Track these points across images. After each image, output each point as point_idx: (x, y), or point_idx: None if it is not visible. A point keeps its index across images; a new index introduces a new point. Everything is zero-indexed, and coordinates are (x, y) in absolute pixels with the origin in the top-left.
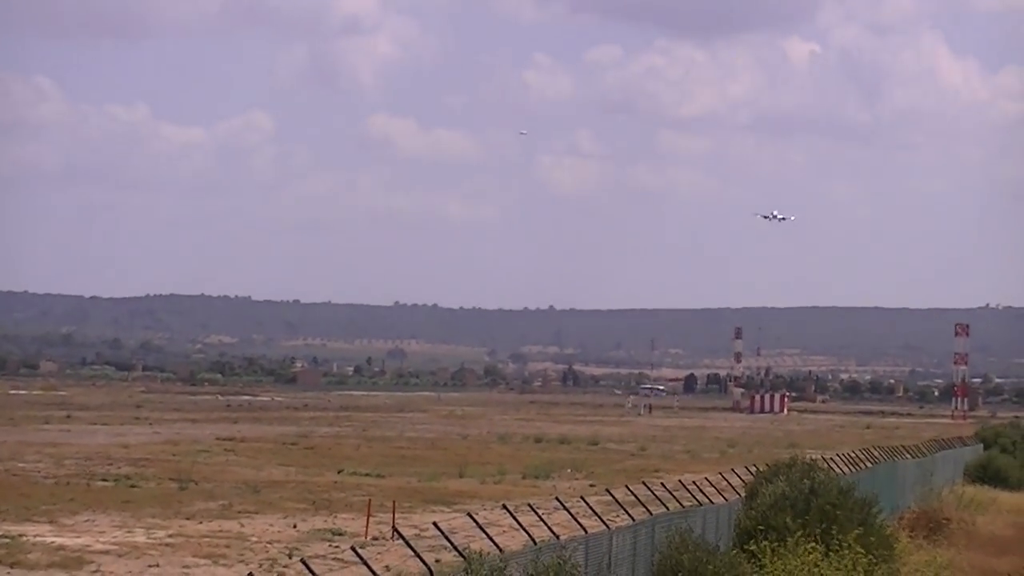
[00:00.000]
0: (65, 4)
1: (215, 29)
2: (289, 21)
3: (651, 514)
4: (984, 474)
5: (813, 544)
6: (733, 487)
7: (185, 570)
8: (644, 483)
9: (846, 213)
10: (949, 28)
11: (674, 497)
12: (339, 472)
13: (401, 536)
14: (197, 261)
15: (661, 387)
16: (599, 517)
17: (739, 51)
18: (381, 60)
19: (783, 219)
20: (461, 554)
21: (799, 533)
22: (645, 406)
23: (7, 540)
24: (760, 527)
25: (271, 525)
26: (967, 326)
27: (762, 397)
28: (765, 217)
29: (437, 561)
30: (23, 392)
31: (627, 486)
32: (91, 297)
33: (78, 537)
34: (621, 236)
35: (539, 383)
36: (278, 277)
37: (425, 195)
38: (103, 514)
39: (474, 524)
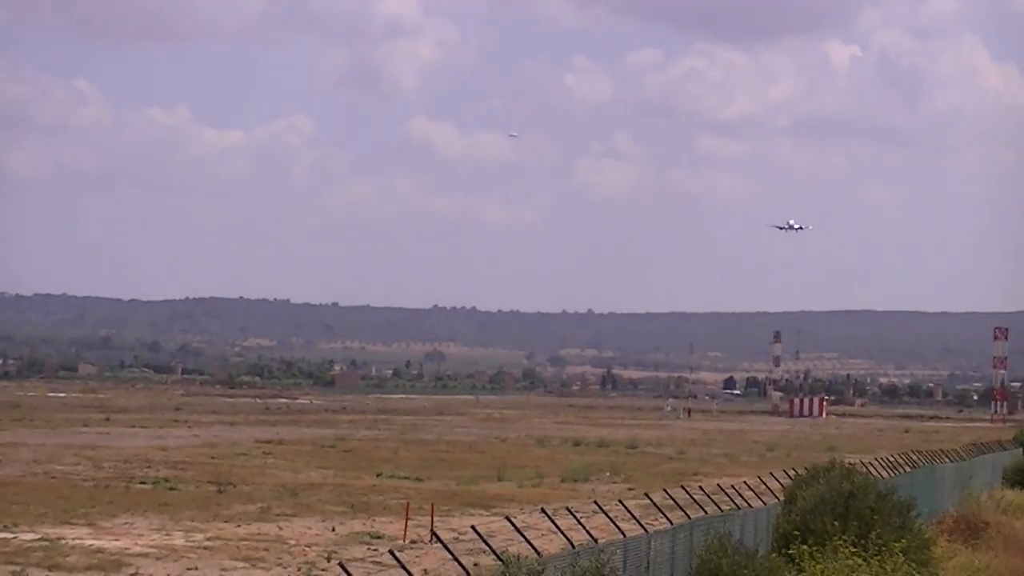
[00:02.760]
0: (105, 7)
1: (256, 33)
2: (330, 25)
3: (689, 518)
4: (1023, 478)
5: (852, 548)
6: (772, 491)
7: (223, 573)
8: (683, 487)
9: (885, 216)
10: (989, 31)
11: (713, 501)
12: (377, 475)
13: (439, 539)
14: (236, 264)
15: (737, 392)
16: (637, 521)
17: (779, 54)
18: (421, 64)
19: (800, 228)
20: (499, 557)
21: (838, 538)
22: (684, 409)
23: (46, 543)
24: (799, 531)
25: (309, 528)
26: (1006, 329)
27: (801, 401)
28: (780, 228)
29: (475, 565)
30: (62, 395)
31: (665, 490)
32: (130, 300)
33: (116, 540)
34: (660, 239)
35: (577, 386)
36: (316, 280)
37: (464, 198)
38: (141, 517)
39: (512, 527)
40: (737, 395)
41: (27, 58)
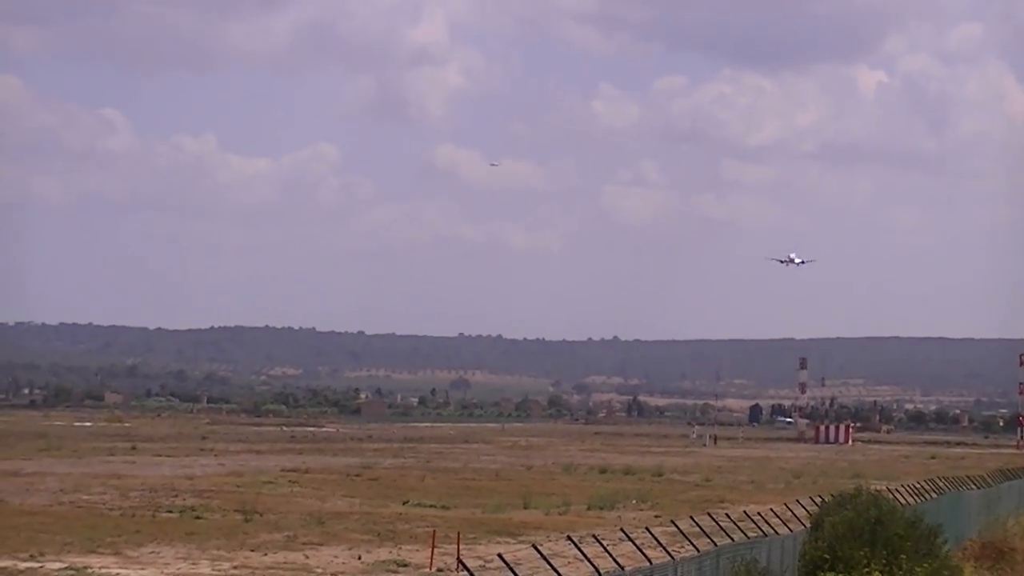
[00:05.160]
0: (133, 35)
1: (284, 60)
2: (357, 52)
3: (716, 545)
4: None
5: (879, 574)
6: (798, 518)
7: None
8: (709, 514)
9: (912, 242)
10: (1015, 56)
11: (739, 528)
12: (404, 503)
13: (466, 568)
14: (262, 292)
15: (789, 419)
16: (664, 548)
17: (806, 80)
18: (448, 90)
19: (802, 263)
20: None
21: (865, 565)
22: (710, 436)
23: (72, 572)
24: (826, 558)
25: (336, 557)
26: None
27: (827, 428)
28: (781, 262)
29: None
30: (88, 424)
31: (692, 517)
32: (156, 329)
33: (143, 569)
34: (685, 266)
35: (603, 414)
36: (342, 308)
37: (490, 225)
38: (168, 546)
39: (539, 555)
40: (789, 423)
41: (56, 86)
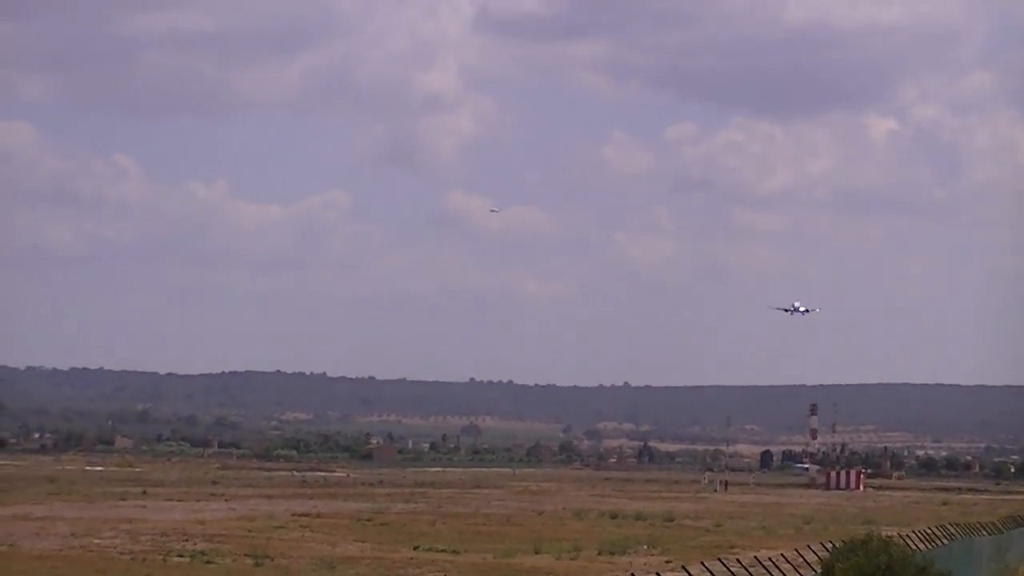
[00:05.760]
0: (147, 83)
1: (296, 107)
2: (369, 99)
3: None
4: None
5: None
6: (809, 564)
7: None
8: (720, 559)
9: (922, 288)
10: None
11: (749, 574)
12: (415, 548)
13: None
14: (272, 338)
15: (805, 465)
16: None
17: (817, 128)
18: (459, 138)
19: (806, 311)
20: None
21: None
22: (721, 482)
23: None
24: None
25: None
26: None
27: (838, 474)
28: (785, 310)
29: None
30: (99, 468)
31: (703, 562)
32: (167, 374)
33: None
34: (696, 312)
35: (614, 459)
36: (353, 354)
37: (501, 271)
38: None
39: None
40: (806, 469)
41: (68, 133)
